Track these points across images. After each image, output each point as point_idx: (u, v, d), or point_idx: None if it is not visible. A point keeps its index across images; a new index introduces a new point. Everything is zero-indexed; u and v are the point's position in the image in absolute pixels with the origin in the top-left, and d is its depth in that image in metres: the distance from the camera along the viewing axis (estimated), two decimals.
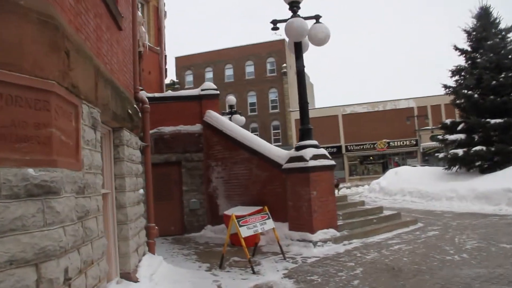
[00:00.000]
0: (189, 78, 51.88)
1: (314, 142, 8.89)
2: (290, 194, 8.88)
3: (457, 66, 19.56)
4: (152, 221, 7.69)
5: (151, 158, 11.85)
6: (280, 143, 45.70)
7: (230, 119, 21.03)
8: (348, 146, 44.28)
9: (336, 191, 28.43)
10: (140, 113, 7.25)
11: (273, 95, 47.41)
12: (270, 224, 7.77)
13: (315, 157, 8.54)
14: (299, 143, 8.95)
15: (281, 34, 9.13)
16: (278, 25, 9.42)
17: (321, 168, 8.53)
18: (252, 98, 48.61)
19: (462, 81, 19.23)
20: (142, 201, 6.98)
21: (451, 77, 19.72)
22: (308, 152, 8.54)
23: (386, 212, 10.98)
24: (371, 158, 44.93)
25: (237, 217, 8.28)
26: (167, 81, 50.30)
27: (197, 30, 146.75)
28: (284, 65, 46.41)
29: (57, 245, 3.18)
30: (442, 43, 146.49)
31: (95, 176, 4.33)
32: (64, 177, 3.42)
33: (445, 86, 19.58)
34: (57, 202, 3.26)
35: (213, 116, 11.73)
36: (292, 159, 8.89)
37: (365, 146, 43.64)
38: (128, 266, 5.81)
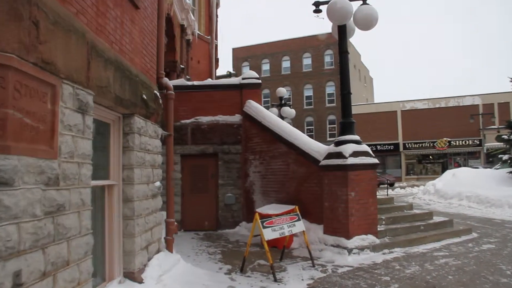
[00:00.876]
0: (246, 69, 51.51)
1: (356, 137, 7.98)
2: (326, 193, 8.05)
3: None
4: (171, 216, 7.21)
5: (187, 148, 11.57)
6: (334, 138, 44.24)
7: (279, 111, 20.39)
8: (406, 144, 41.92)
9: (389, 190, 27.12)
10: (160, 100, 6.74)
11: (330, 88, 45.95)
12: (299, 226, 7.02)
13: (356, 154, 7.63)
14: (339, 138, 8.08)
15: (323, 17, 8.24)
16: (322, 7, 8.56)
17: (362, 166, 7.62)
18: (308, 91, 47.49)
19: None
20: (158, 194, 6.49)
21: None
22: (347, 148, 7.66)
23: (436, 219, 9.83)
24: (430, 157, 42.28)
25: (264, 216, 7.65)
26: (223, 71, 50.45)
27: (256, 22, 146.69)
28: None
29: (3, 246, 2.69)
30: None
31: (80, 166, 3.84)
32: (22, 166, 2.93)
33: None
34: (7, 194, 2.77)
35: (253, 107, 11.09)
36: (330, 155, 8.04)
37: (424, 144, 41.07)
38: (132, 265, 5.35)
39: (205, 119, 11.49)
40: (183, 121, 11.50)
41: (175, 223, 7.32)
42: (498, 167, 20.05)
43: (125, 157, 5.42)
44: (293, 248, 8.39)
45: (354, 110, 36.97)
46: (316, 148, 8.86)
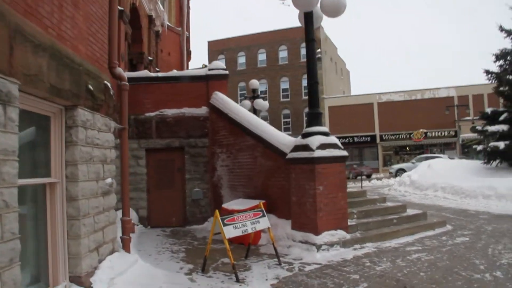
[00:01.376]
0: (222, 62, 50.91)
1: (323, 128, 7.67)
2: (294, 188, 7.74)
3: (502, 50, 17.55)
4: (127, 214, 6.79)
5: (152, 142, 11.10)
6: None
7: (252, 103, 20.01)
8: (383, 135, 42.14)
9: (366, 181, 27.20)
10: (112, 91, 6.29)
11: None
12: (264, 223, 6.70)
13: (323, 146, 7.33)
14: (306, 129, 7.75)
15: (289, 4, 7.88)
16: None
17: (330, 159, 7.33)
18: (285, 84, 47.24)
19: (507, 66, 17.25)
20: (110, 191, 6.05)
21: (495, 61, 17.78)
22: (314, 140, 7.35)
23: (410, 211, 9.64)
24: (407, 148, 42.64)
25: (229, 212, 7.33)
26: (198, 64, 49.52)
27: (231, 16, 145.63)
28: (319, 50, 44.55)
29: None
30: (489, 26, 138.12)
31: (2, 164, 3.40)
32: None
33: (488, 72, 17.71)
34: None
35: (220, 98, 10.69)
36: (297, 148, 7.73)
37: (401, 135, 41.35)
38: (79, 268, 4.93)
39: (170, 112, 11.03)
40: (147, 114, 11.04)
41: (132, 221, 6.89)
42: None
43: (68, 152, 4.97)
44: (260, 245, 8.07)
45: (331, 103, 36.71)
46: (284, 140, 8.53)
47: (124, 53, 11.54)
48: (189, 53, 24.63)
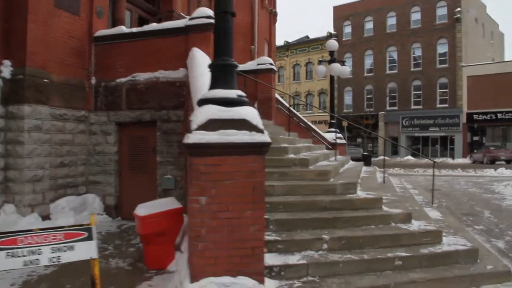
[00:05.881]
0: (347, 29, 46.41)
1: (229, 93, 4.26)
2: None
3: None
4: None
5: (122, 115, 8.81)
6: (446, 105, 37.36)
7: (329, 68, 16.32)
8: None
9: (502, 169, 20.60)
10: None
11: (442, 47, 38.35)
12: (84, 251, 3.91)
13: (216, 124, 4.06)
14: (205, 93, 4.50)
15: None
16: None
17: (224, 148, 4.03)
18: (416, 51, 40.49)
19: None
20: None
21: None
22: (200, 114, 4.13)
23: (448, 247, 5.51)
24: None
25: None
26: (322, 33, 45.87)
27: None
28: (458, 9, 36.73)
29: None
30: None
31: None
32: None
33: None
34: None
35: (193, 56, 7.83)
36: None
37: None
38: None
39: (143, 77, 8.64)
40: (118, 80, 8.86)
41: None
42: None
43: None
44: (168, 271, 5.32)
45: (470, 71, 29.74)
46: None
47: (103, 6, 9.44)
48: (273, 14, 21.73)
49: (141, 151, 8.84)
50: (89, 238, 3.98)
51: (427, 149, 39.41)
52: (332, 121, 16.03)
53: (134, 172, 8.91)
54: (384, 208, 6.03)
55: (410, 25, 40.52)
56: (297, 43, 52.38)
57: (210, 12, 8.22)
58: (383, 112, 41.79)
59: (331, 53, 16.14)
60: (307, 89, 50.16)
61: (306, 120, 14.77)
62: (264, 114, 12.78)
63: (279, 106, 13.62)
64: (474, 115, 35.40)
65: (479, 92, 34.23)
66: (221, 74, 4.36)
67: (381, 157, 38.96)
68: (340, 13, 46.73)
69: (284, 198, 5.82)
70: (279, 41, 45.85)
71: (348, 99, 45.95)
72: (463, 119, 36.20)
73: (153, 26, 8.95)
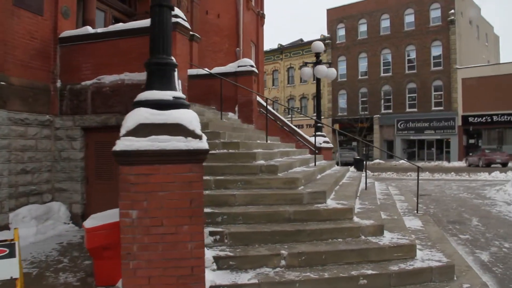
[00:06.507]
0: (341, 32, 46.08)
1: (166, 94, 3.85)
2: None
3: None
4: None
5: (88, 119, 8.36)
6: (441, 108, 37.00)
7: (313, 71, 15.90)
8: None
9: (496, 172, 20.17)
10: None
11: (436, 49, 38.01)
12: (2, 269, 3.47)
13: (147, 130, 3.63)
14: (138, 95, 4.07)
15: None
16: None
17: (157, 156, 3.59)
18: (411, 54, 40.16)
19: None
20: None
21: None
22: (130, 119, 3.70)
23: (421, 264, 5.05)
24: None
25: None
26: (316, 36, 45.47)
27: None
28: (452, 11, 36.44)
29: None
30: None
31: None
32: None
33: None
34: None
35: None
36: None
37: None
38: None
39: (108, 79, 8.19)
40: (83, 83, 8.41)
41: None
42: None
43: None
44: None
45: (465, 74, 29.44)
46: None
47: (70, 5, 9.01)
48: (261, 16, 21.34)
49: (109, 157, 8.36)
50: (11, 255, 3.56)
51: (422, 152, 39.03)
52: (319, 124, 15.59)
53: (102, 179, 8.47)
54: (355, 219, 5.58)
55: (404, 28, 40.25)
56: (291, 46, 52.08)
57: (177, 11, 7.81)
58: (378, 115, 41.42)
59: (317, 54, 15.72)
60: (301, 92, 49.78)
61: (290, 124, 14.32)
62: (245, 118, 12.38)
63: (261, 109, 13.17)
64: (470, 118, 35.03)
65: (474, 95, 33.87)
66: (157, 74, 3.96)
67: (376, 161, 38.83)
68: (333, 16, 46.44)
69: (244, 209, 5.36)
70: (273, 45, 45.55)
71: (342, 102, 45.54)
72: (459, 121, 35.82)
73: (119, 26, 8.52)
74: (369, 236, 5.19)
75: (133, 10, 12.36)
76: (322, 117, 44.30)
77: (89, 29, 8.58)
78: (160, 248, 3.63)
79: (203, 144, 3.71)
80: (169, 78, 3.95)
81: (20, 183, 7.92)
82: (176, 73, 6.82)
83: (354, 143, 42.03)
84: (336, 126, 27.15)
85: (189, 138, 3.67)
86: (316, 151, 13.87)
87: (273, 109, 16.01)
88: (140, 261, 3.59)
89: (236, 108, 12.66)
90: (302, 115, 44.16)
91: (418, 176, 9.31)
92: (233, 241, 4.78)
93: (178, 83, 7.71)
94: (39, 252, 6.65)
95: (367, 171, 23.43)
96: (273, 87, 52.52)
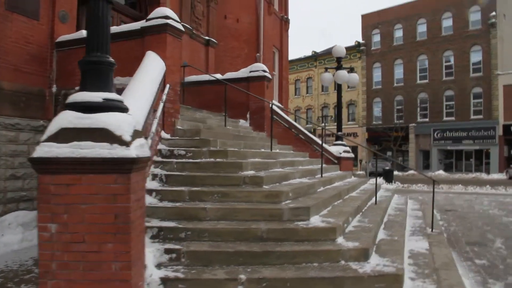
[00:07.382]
0: (376, 38, 44.81)
1: (95, 96, 3.44)
2: None
3: None
4: None
5: None
6: (481, 116, 35.06)
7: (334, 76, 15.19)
8: None
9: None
10: None
11: (476, 54, 36.15)
12: None
13: (72, 135, 3.21)
14: (69, 97, 3.67)
15: None
16: None
17: (77, 164, 3.15)
18: (448, 59, 38.38)
19: None
20: None
21: None
22: (54, 122, 3.32)
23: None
24: None
25: None
26: (350, 42, 44.73)
27: None
28: (493, 14, 34.52)
29: None
30: None
31: None
32: None
33: None
34: None
35: (143, 61, 7.06)
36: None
37: None
38: None
39: None
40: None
41: None
42: None
43: None
44: None
45: (507, 80, 27.85)
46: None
47: (68, 10, 8.87)
48: (285, 20, 20.84)
49: None
50: None
51: (460, 164, 37.09)
52: (339, 133, 14.86)
53: None
54: (339, 240, 4.92)
55: (441, 32, 38.61)
56: (325, 53, 51.15)
57: (169, 12, 7.45)
58: (414, 124, 39.79)
59: (338, 59, 15.04)
60: (335, 100, 48.63)
61: (306, 132, 13.65)
62: (257, 125, 11.87)
63: (275, 117, 12.62)
64: None
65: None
66: (89, 74, 3.54)
67: (411, 172, 37.18)
68: (368, 22, 45.30)
69: (214, 224, 4.85)
70: (308, 52, 44.83)
71: (377, 110, 44.12)
72: (499, 131, 33.76)
73: (112, 29, 8.24)
74: (351, 261, 4.53)
75: (143, 15, 12.15)
76: (356, 126, 43.50)
77: (83, 33, 8.37)
78: (81, 267, 3.18)
79: (129, 152, 3.25)
80: (103, 78, 3.56)
81: (9, 189, 7.76)
82: (159, 76, 6.42)
83: (389, 153, 40.52)
84: (365, 135, 26.00)
85: (115, 145, 3.22)
86: (335, 161, 13.22)
87: (296, 117, 15.34)
88: (59, 280, 3.16)
89: (248, 115, 12.17)
90: (335, 124, 43.08)
91: (433, 189, 8.46)
92: (191, 260, 4.27)
93: (165, 88, 7.36)
94: (16, 261, 6.38)
95: (397, 182, 22.25)
96: (307, 94, 51.74)
